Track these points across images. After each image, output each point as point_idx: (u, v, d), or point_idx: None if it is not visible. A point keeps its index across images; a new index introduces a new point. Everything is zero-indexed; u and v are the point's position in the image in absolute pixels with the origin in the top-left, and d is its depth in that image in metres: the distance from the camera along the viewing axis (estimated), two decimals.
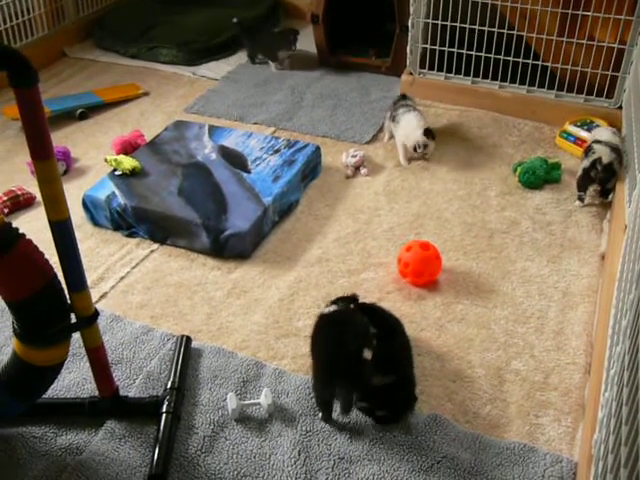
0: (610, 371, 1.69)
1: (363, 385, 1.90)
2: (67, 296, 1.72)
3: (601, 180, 2.77)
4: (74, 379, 2.07)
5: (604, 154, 2.75)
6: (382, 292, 2.41)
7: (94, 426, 1.93)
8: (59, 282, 1.69)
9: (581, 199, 2.85)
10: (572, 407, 2.00)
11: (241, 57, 4.20)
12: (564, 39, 3.25)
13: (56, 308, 1.70)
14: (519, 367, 2.13)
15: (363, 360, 1.91)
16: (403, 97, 3.31)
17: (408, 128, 3.10)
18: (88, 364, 1.89)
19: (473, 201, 2.87)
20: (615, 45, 3.17)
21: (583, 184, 2.82)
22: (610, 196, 2.82)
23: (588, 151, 2.84)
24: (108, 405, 1.94)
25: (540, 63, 3.36)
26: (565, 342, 2.21)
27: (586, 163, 2.80)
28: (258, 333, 2.24)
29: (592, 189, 2.82)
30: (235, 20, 4.08)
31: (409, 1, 3.43)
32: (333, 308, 2.06)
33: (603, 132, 2.96)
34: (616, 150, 2.79)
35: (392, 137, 3.26)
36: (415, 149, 3.08)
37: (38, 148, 1.51)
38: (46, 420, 1.94)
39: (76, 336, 1.82)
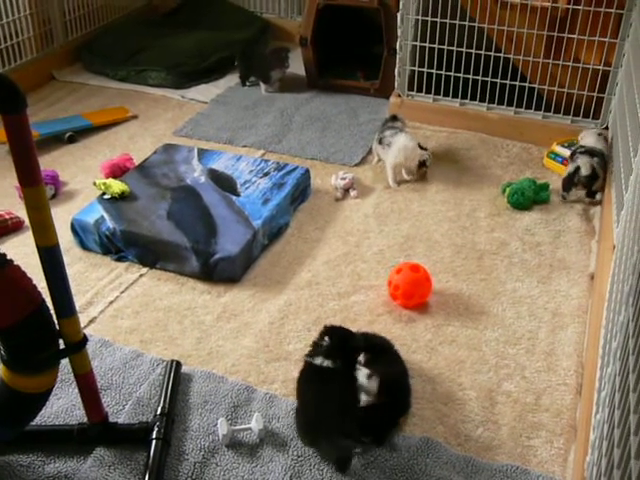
0: (601, 392, 1.69)
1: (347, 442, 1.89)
2: (55, 322, 1.71)
3: (584, 185, 2.95)
4: (62, 405, 2.05)
5: (583, 165, 2.92)
6: (372, 315, 2.41)
7: (83, 453, 1.90)
8: (47, 308, 1.68)
9: (564, 197, 3.01)
10: (564, 428, 2.00)
11: (230, 80, 4.21)
12: (550, 61, 3.28)
13: (44, 334, 1.69)
14: (510, 389, 2.12)
15: (347, 420, 1.90)
16: (393, 118, 3.32)
17: (406, 149, 3.10)
18: (77, 390, 1.86)
19: (462, 222, 2.88)
20: (600, 67, 3.20)
21: (568, 186, 2.99)
22: (597, 196, 2.97)
23: (573, 155, 3.02)
24: (97, 432, 1.92)
25: (527, 85, 3.38)
26: (556, 363, 2.21)
27: (570, 168, 2.98)
28: (248, 357, 2.23)
29: (576, 191, 2.99)
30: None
31: (397, 24, 3.46)
32: (325, 345, 2.05)
33: (589, 137, 3.12)
34: (599, 154, 2.97)
35: (381, 159, 3.27)
36: (422, 165, 3.11)
37: (26, 174, 1.51)
38: (34, 448, 1.92)
39: (65, 362, 1.80)
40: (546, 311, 2.42)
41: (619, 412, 1.31)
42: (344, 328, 2.13)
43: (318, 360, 2.01)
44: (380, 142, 3.19)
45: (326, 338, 2.05)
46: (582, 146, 3.05)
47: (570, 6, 3.16)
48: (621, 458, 1.20)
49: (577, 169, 2.93)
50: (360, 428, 1.91)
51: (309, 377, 2.03)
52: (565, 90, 3.32)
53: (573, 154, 3.02)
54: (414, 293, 2.42)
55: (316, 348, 2.06)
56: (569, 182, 2.97)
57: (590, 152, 2.97)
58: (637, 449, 1.07)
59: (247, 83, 4.13)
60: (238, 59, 4.15)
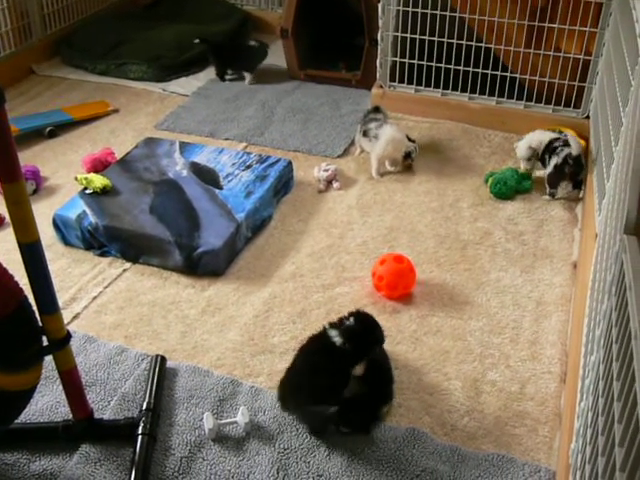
0: (585, 380, 1.70)
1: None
2: (38, 318, 1.70)
3: (572, 174, 2.91)
4: (47, 403, 2.04)
5: (573, 145, 2.90)
6: (357, 306, 2.39)
7: (69, 450, 1.89)
8: (30, 304, 1.67)
9: (552, 194, 2.97)
10: (549, 416, 2.01)
11: (211, 73, 4.18)
12: (531, 51, 3.29)
13: (27, 331, 1.67)
14: (495, 378, 2.13)
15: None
16: (376, 109, 3.31)
17: (395, 141, 3.10)
18: (61, 387, 1.86)
19: (446, 213, 2.89)
20: (581, 56, 3.22)
21: (555, 181, 2.94)
22: (582, 188, 2.96)
23: (552, 151, 2.96)
24: (83, 428, 1.91)
25: (509, 75, 3.39)
26: (540, 351, 2.22)
27: (557, 160, 2.91)
28: (233, 351, 2.23)
29: (564, 185, 2.95)
30: (197, 41, 4.10)
31: (378, 14, 3.45)
32: (347, 324, 2.04)
33: (538, 134, 3.08)
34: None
35: (364, 151, 3.27)
36: (408, 156, 3.12)
37: (6, 170, 1.49)
38: (19, 446, 1.90)
39: (48, 359, 1.79)
40: (530, 300, 2.43)
41: (603, 400, 1.32)
42: (373, 319, 2.11)
43: (332, 332, 2.00)
44: (365, 134, 3.18)
45: (351, 319, 2.04)
46: (556, 139, 3.01)
47: None
48: (605, 445, 1.20)
49: (565, 158, 2.89)
50: (341, 418, 1.92)
51: (315, 345, 2.03)
52: (546, 79, 3.33)
53: (552, 151, 2.95)
54: (398, 284, 2.43)
55: (339, 323, 2.04)
56: (558, 175, 2.92)
57: (566, 143, 2.95)
58: (621, 436, 1.07)
59: (226, 78, 4.11)
60: (210, 55, 4.13)
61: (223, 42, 4.21)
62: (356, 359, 2.00)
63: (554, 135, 3.02)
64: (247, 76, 4.05)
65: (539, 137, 3.04)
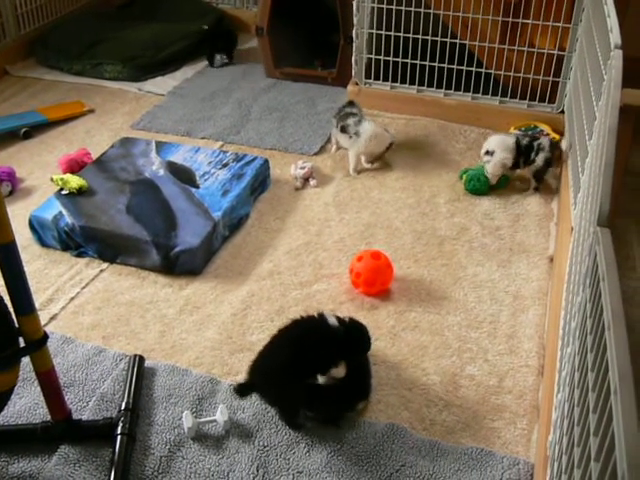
0: (562, 372, 1.71)
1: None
2: (15, 320, 1.69)
3: (559, 157, 3.00)
4: (25, 404, 2.03)
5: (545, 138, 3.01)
6: (335, 303, 2.41)
7: (47, 452, 1.88)
8: (6, 306, 1.66)
9: (537, 188, 3.02)
10: (527, 409, 2.02)
11: (186, 72, 4.18)
12: (505, 47, 3.31)
13: (3, 333, 1.67)
14: (473, 372, 2.14)
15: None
16: (350, 103, 3.32)
17: (377, 137, 3.13)
18: (39, 388, 1.85)
19: (422, 209, 2.90)
20: (555, 52, 3.24)
21: (542, 174, 3.00)
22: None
23: (538, 147, 2.98)
24: (61, 429, 1.90)
25: (483, 70, 3.41)
26: (518, 345, 2.24)
27: (546, 154, 2.95)
28: (212, 349, 2.23)
29: (551, 173, 3.03)
30: (205, 27, 4.42)
31: (353, 12, 3.46)
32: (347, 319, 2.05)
33: (494, 141, 3.06)
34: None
35: (340, 148, 3.27)
36: (389, 147, 3.16)
37: None
38: None
39: (26, 360, 1.79)
40: (507, 294, 2.45)
41: (578, 391, 1.33)
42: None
43: (332, 320, 2.00)
44: (343, 130, 3.17)
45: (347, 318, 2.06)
46: (535, 137, 3.05)
47: None
48: (581, 435, 1.22)
49: (551, 147, 2.97)
50: (314, 404, 1.94)
51: (304, 325, 2.02)
52: (521, 75, 3.35)
53: (534, 149, 2.97)
54: (376, 280, 2.43)
55: (339, 320, 2.03)
56: (546, 167, 2.97)
57: (535, 137, 3.02)
58: (595, 426, 1.09)
59: (215, 64, 4.26)
60: (208, 42, 4.36)
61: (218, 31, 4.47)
62: (343, 350, 1.99)
63: (518, 134, 3.10)
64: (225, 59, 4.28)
65: (497, 141, 3.02)
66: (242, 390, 1.98)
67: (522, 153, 2.97)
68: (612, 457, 0.94)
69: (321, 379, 1.98)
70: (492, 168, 2.97)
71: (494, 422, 1.99)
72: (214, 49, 4.29)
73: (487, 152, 3.00)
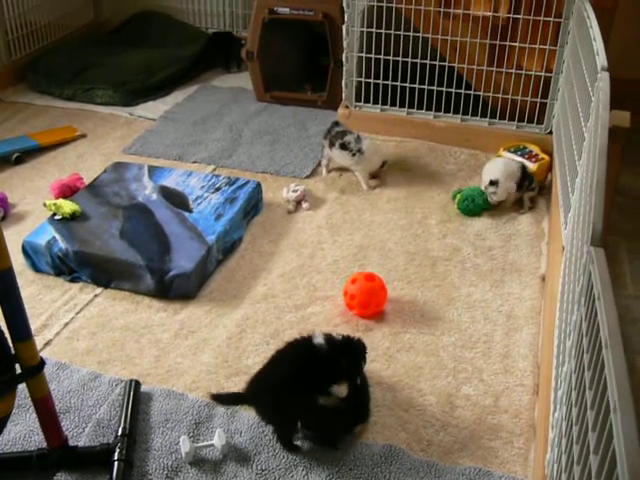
0: (558, 391, 1.72)
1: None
2: (11, 346, 1.69)
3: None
4: (20, 431, 2.02)
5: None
6: (330, 325, 2.42)
7: (44, 479, 1.87)
8: (2, 332, 1.66)
9: (532, 208, 3.07)
10: (523, 428, 2.03)
11: (177, 96, 4.20)
12: (494, 69, 3.35)
13: (0, 359, 1.66)
14: (469, 392, 2.15)
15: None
16: (336, 124, 3.35)
17: (378, 153, 3.24)
18: (35, 415, 1.84)
19: (414, 230, 2.92)
20: (542, 73, 3.28)
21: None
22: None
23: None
24: (57, 456, 1.89)
25: (472, 93, 3.45)
26: (512, 364, 2.25)
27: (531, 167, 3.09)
28: (208, 373, 2.23)
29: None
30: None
31: (342, 35, 3.49)
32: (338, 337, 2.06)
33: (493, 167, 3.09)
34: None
35: (332, 170, 3.29)
36: (384, 165, 3.26)
37: None
38: None
39: (21, 386, 1.78)
40: (500, 314, 2.46)
41: (576, 409, 1.34)
42: (362, 342, 2.11)
43: (318, 339, 2.01)
44: (344, 148, 3.18)
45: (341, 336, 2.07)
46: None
47: (511, 15, 3.24)
48: (580, 454, 1.22)
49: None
50: (312, 425, 1.94)
51: (294, 347, 2.04)
52: (509, 97, 3.39)
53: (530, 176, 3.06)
54: (370, 302, 2.44)
55: (329, 338, 2.04)
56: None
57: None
58: (595, 444, 1.10)
59: (231, 69, 4.60)
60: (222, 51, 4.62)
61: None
62: (332, 368, 1.99)
63: (516, 159, 3.16)
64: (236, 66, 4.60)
65: (499, 169, 3.03)
66: (224, 399, 2.03)
67: (527, 177, 3.01)
68: (614, 474, 0.94)
69: (322, 400, 1.97)
70: (499, 197, 2.99)
71: (491, 442, 1.99)
72: (228, 56, 4.55)
73: (491, 182, 2.98)
